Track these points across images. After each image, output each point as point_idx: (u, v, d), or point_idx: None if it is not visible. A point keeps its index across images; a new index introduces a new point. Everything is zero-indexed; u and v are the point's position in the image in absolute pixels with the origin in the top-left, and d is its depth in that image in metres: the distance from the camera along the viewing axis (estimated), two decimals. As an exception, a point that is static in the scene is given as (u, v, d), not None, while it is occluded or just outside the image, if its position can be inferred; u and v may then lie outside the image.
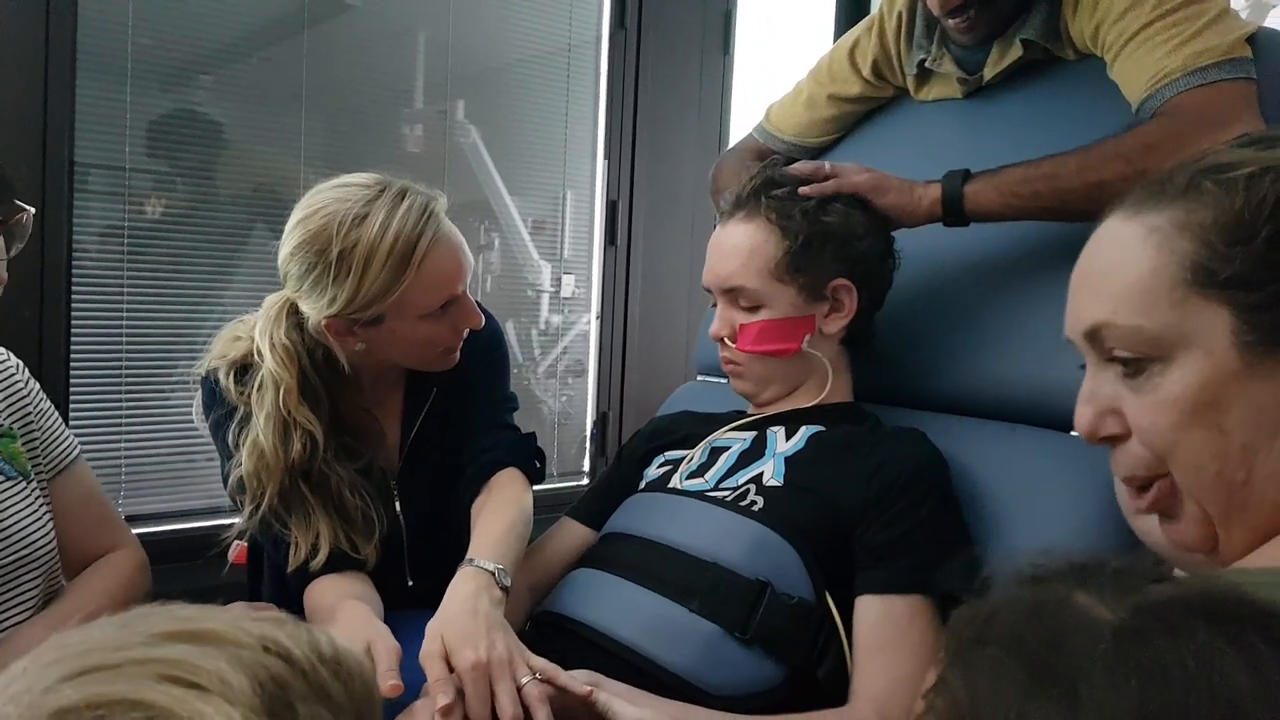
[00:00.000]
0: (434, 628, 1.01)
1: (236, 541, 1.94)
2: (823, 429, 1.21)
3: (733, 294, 1.24)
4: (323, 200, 1.16)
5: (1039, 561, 0.51)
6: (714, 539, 1.11)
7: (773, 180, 1.24)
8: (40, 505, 1.13)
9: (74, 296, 1.96)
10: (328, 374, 1.24)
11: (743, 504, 1.13)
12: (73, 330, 1.96)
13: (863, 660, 1.04)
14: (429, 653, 0.98)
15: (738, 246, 1.23)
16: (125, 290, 2.03)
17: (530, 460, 1.33)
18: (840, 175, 1.25)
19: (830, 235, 1.21)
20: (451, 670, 0.97)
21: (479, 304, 1.31)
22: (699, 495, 1.17)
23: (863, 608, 1.07)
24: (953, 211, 1.21)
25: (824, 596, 1.07)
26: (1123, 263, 0.69)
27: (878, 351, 1.33)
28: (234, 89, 2.24)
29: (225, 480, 1.26)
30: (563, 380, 3.02)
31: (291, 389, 1.19)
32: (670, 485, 1.23)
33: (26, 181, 1.84)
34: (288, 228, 1.18)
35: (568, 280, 2.97)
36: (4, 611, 1.05)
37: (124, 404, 2.04)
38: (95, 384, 2.01)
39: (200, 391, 1.29)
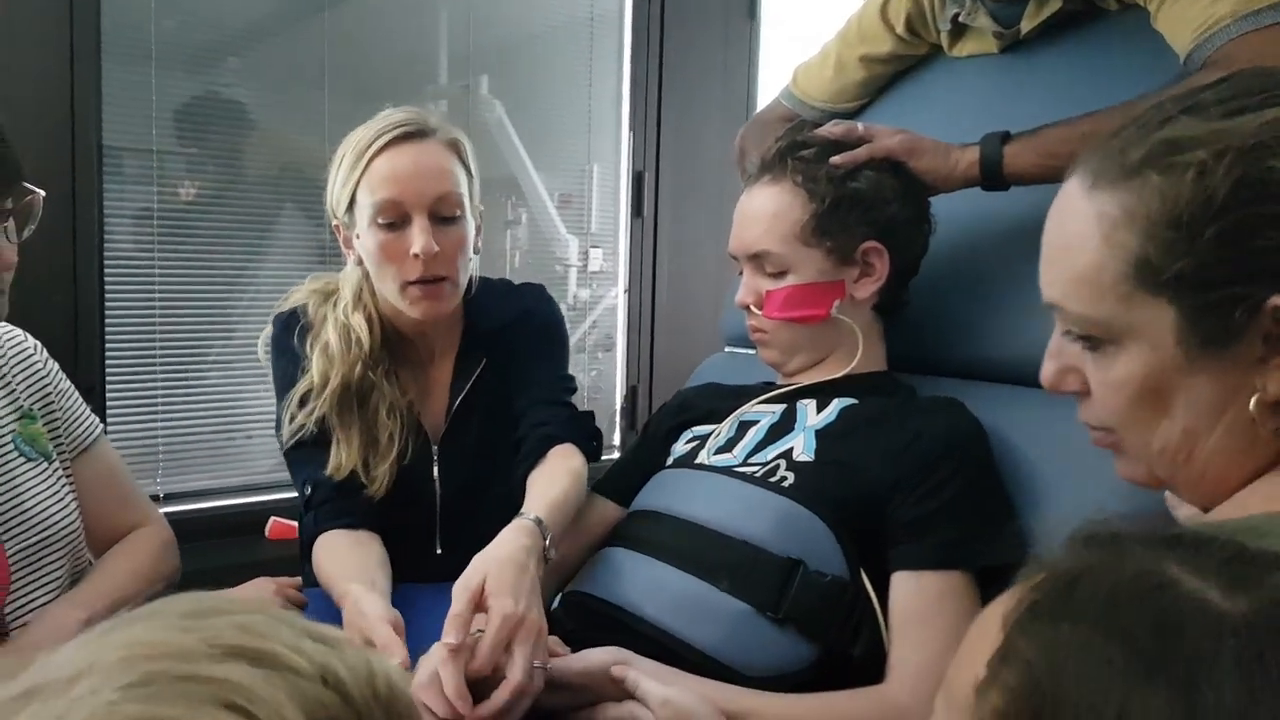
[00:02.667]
0: (479, 564, 0.98)
1: (273, 518, 1.95)
2: (855, 401, 1.17)
3: (758, 259, 1.20)
4: None
5: (1102, 524, 0.48)
6: (743, 516, 1.07)
7: (799, 142, 1.20)
8: (62, 485, 1.13)
9: (106, 279, 1.96)
10: (384, 315, 1.32)
11: (772, 480, 1.10)
12: (106, 313, 1.96)
13: (898, 638, 1.01)
14: (466, 584, 0.95)
15: (763, 210, 1.19)
16: (157, 272, 2.03)
17: (587, 437, 1.33)
18: (873, 138, 1.20)
19: (859, 198, 1.17)
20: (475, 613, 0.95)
21: (527, 284, 1.44)
22: (727, 471, 1.14)
23: (897, 584, 1.03)
24: (991, 175, 1.17)
25: (858, 574, 1.04)
26: (1072, 248, 0.69)
27: (913, 318, 1.28)
28: (259, 70, 2.23)
29: (279, 410, 1.30)
30: (592, 355, 3.00)
31: (349, 301, 1.30)
32: (697, 461, 1.19)
33: (57, 167, 1.85)
34: None
35: (595, 254, 2.94)
36: (31, 592, 1.05)
37: (159, 384, 2.05)
38: (130, 365, 2.02)
39: (272, 328, 1.35)
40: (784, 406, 1.20)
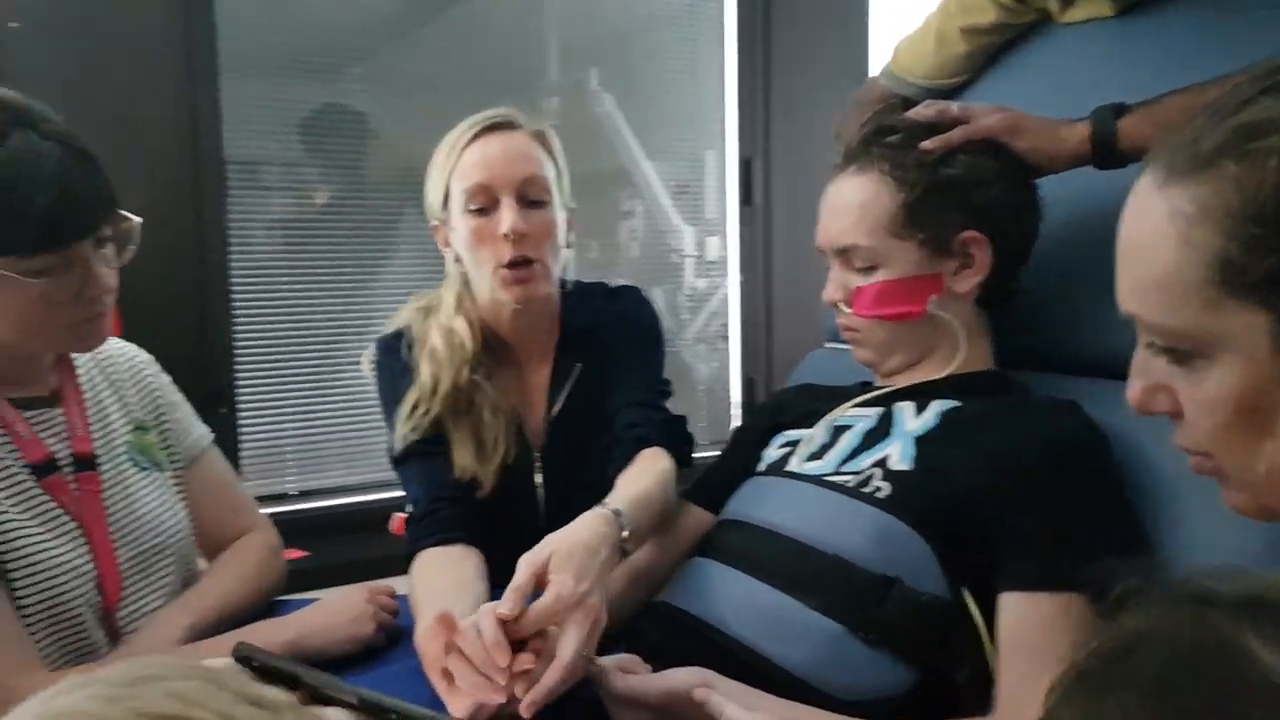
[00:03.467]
0: (548, 541, 0.97)
1: (395, 514, 2.01)
2: (957, 403, 1.09)
3: (846, 254, 1.14)
4: None
5: (1204, 580, 0.43)
6: (834, 529, 1.02)
7: (885, 127, 1.13)
8: (173, 494, 1.18)
9: (233, 286, 2.05)
10: (484, 322, 1.34)
11: (865, 490, 1.03)
12: (234, 317, 2.05)
13: (1004, 666, 0.94)
14: (530, 559, 0.95)
15: (848, 202, 1.13)
16: (281, 279, 2.11)
17: (678, 441, 1.31)
18: (970, 118, 1.12)
19: (954, 185, 1.09)
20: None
21: (623, 286, 1.45)
22: (817, 480, 1.08)
23: (1004, 606, 0.95)
24: (1104, 152, 1.07)
25: (959, 592, 0.97)
26: (1146, 251, 0.61)
27: (1026, 309, 1.19)
28: (376, 78, 2.29)
29: (389, 426, 1.32)
30: (712, 345, 2.96)
31: (452, 306, 1.32)
32: (788, 468, 1.14)
33: (182, 181, 1.94)
34: None
35: (712, 243, 2.89)
36: (144, 597, 1.10)
37: (289, 387, 2.13)
38: (258, 367, 2.10)
39: (375, 351, 1.38)
40: (880, 410, 1.14)
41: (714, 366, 2.97)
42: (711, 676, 0.93)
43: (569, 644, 0.90)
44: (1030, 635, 0.93)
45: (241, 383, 2.07)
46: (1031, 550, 0.95)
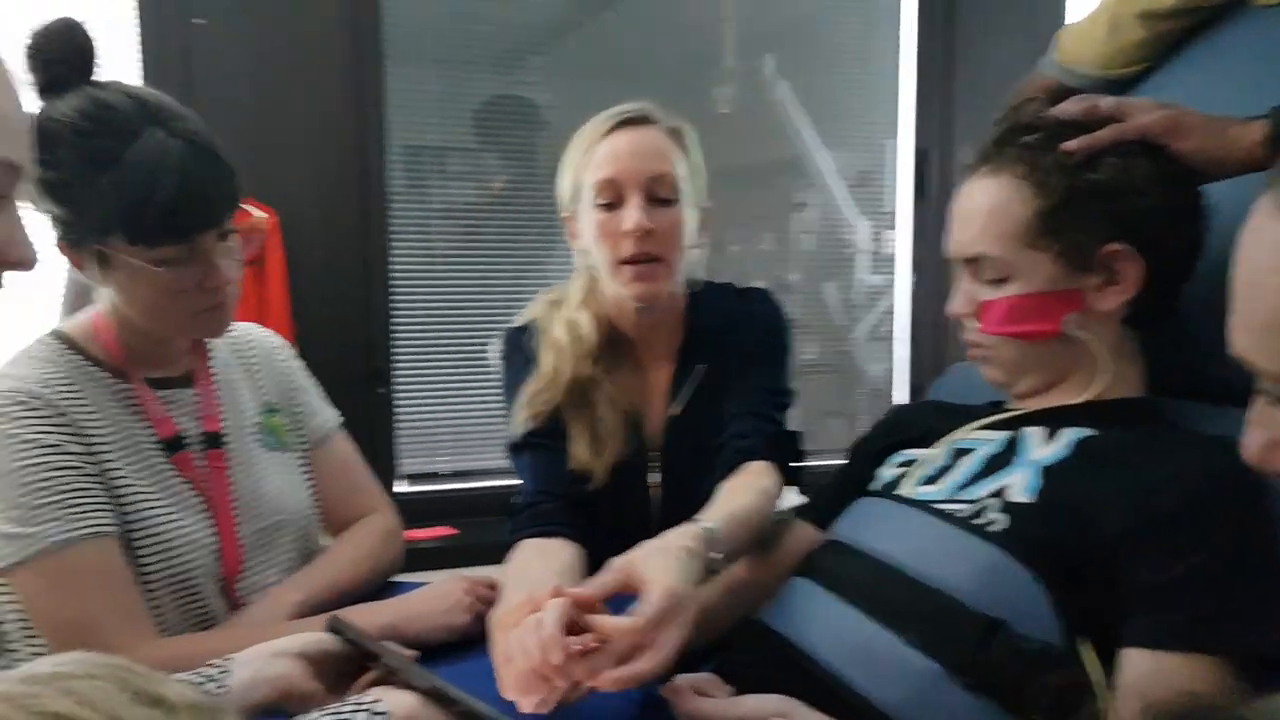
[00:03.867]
0: (640, 550, 0.96)
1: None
2: (1094, 432, 0.99)
3: (975, 264, 1.05)
4: None
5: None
6: (939, 561, 0.94)
7: (1023, 125, 1.03)
8: (298, 474, 1.24)
9: (392, 273, 2.14)
10: (608, 309, 1.35)
11: (977, 522, 0.95)
12: (393, 306, 2.15)
13: None
14: (621, 562, 0.94)
15: (978, 207, 1.04)
16: (442, 266, 2.20)
17: (787, 458, 1.29)
18: (1124, 116, 1.00)
19: (1099, 191, 0.98)
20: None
21: (753, 288, 1.42)
22: (927, 506, 1.01)
23: (1128, 664, 0.86)
24: None
25: (1075, 643, 0.87)
26: (1257, 286, 0.54)
27: (1184, 329, 1.06)
28: (550, 68, 2.33)
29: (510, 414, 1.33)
30: (887, 344, 2.84)
31: (579, 299, 1.33)
32: (898, 491, 1.07)
33: (348, 168, 2.04)
34: None
35: (890, 237, 2.78)
36: (263, 572, 1.16)
37: (444, 371, 2.22)
38: (415, 353, 2.20)
39: (502, 343, 1.39)
40: (1007, 434, 1.04)
41: (886, 368, 2.86)
42: (792, 706, 0.88)
43: (668, 642, 0.88)
44: (1153, 698, 0.82)
45: (399, 365, 2.17)
46: (1164, 604, 0.85)
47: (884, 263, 2.76)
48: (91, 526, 1.00)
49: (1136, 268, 0.99)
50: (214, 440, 1.14)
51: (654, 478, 1.35)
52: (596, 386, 1.31)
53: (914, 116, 2.56)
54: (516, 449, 1.31)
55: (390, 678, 0.86)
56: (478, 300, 2.24)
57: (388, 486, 2.18)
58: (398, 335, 2.16)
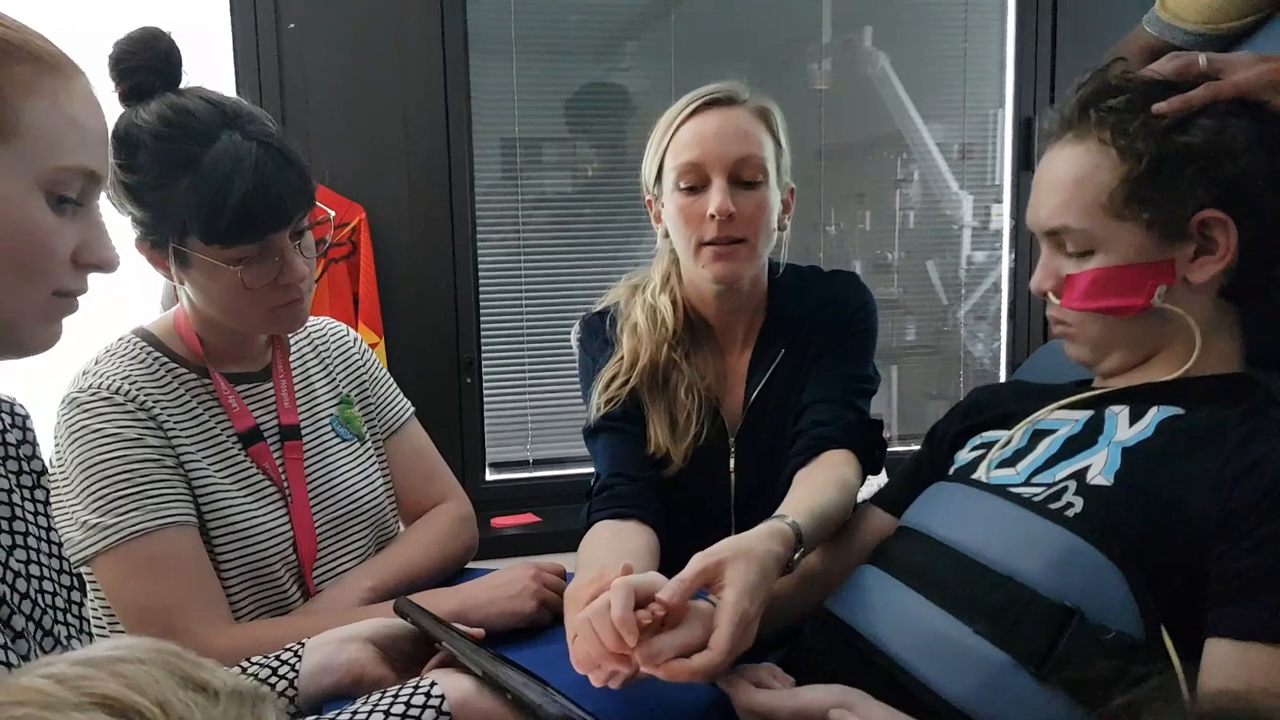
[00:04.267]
0: (727, 548, 0.93)
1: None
2: (1180, 411, 0.93)
3: (1057, 237, 1.00)
4: None
5: None
6: (1013, 547, 0.90)
7: (1109, 87, 0.97)
8: (371, 464, 1.26)
9: (481, 263, 2.18)
10: (686, 304, 1.34)
11: (1054, 506, 0.90)
12: (482, 297, 2.18)
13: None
14: (705, 561, 0.91)
15: (1061, 176, 0.98)
16: (532, 257, 2.21)
17: (869, 446, 1.26)
18: (1219, 73, 0.94)
19: (1192, 154, 0.92)
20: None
21: (839, 271, 1.39)
22: (1002, 490, 0.96)
23: (1213, 653, 0.80)
24: None
25: (1157, 632, 0.82)
26: None
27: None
28: (644, 54, 2.33)
29: (586, 401, 1.35)
30: (994, 323, 2.74)
31: (657, 285, 1.33)
32: (974, 475, 1.02)
33: (437, 161, 2.08)
34: None
35: (996, 210, 2.67)
36: (338, 557, 1.19)
37: (531, 361, 2.24)
38: (503, 344, 2.22)
39: (580, 330, 1.40)
40: (1089, 414, 0.99)
41: (992, 348, 2.76)
42: (854, 697, 0.85)
43: (723, 640, 0.87)
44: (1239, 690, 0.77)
45: (488, 355, 2.20)
46: (1253, 594, 0.79)
47: (989, 238, 2.66)
48: (170, 517, 1.03)
49: (1232, 236, 0.92)
50: (291, 432, 1.18)
51: (731, 461, 1.33)
52: (676, 370, 1.30)
53: (1014, 84, 2.45)
54: (592, 433, 1.31)
55: (452, 661, 0.87)
56: (566, 290, 2.25)
57: (477, 475, 2.23)
58: (487, 326, 2.19)
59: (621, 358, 1.30)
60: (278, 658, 0.88)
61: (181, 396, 1.10)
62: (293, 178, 1.05)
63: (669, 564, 1.09)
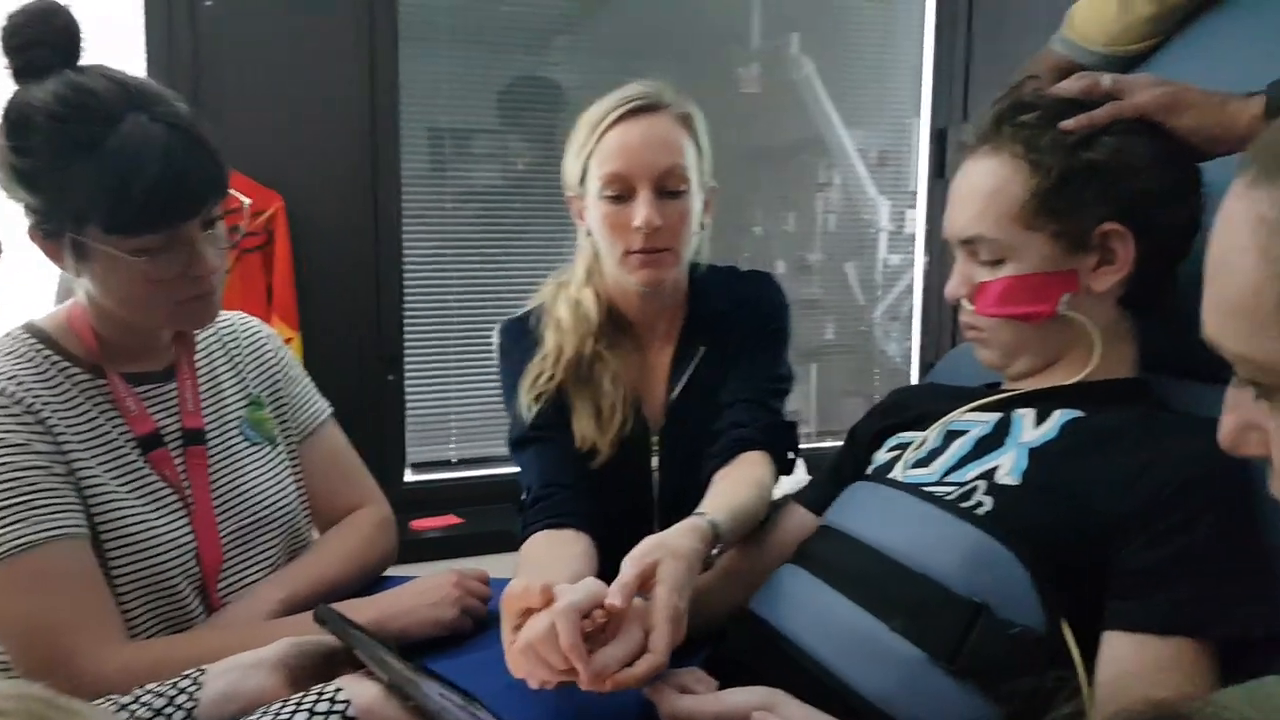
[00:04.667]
0: (653, 547, 0.94)
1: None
2: (1081, 413, 0.97)
3: (971, 245, 1.03)
4: None
5: None
6: (926, 545, 0.93)
7: (1022, 103, 1.01)
8: (283, 469, 1.21)
9: (405, 257, 2.14)
10: (610, 289, 1.34)
11: (965, 505, 0.93)
12: (405, 292, 2.15)
13: (1101, 711, 0.83)
14: (638, 562, 0.92)
15: (975, 188, 1.02)
16: (455, 251, 2.19)
17: (782, 448, 1.29)
18: (1122, 93, 0.98)
19: (1096, 170, 0.96)
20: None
21: (755, 271, 1.41)
22: (916, 490, 0.99)
23: (1109, 647, 0.85)
24: None
25: (1058, 626, 0.86)
26: (1226, 266, 0.52)
27: (1178, 309, 1.04)
28: (574, 49, 2.32)
29: (509, 408, 1.34)
30: (907, 324, 2.82)
31: (581, 279, 1.33)
32: (891, 475, 1.05)
33: (360, 150, 2.04)
34: None
35: (910, 215, 2.75)
36: (244, 569, 1.14)
37: (455, 358, 2.22)
38: (427, 340, 2.20)
39: (501, 337, 1.38)
40: (999, 416, 1.03)
41: (904, 347, 2.84)
42: (777, 699, 0.87)
43: (662, 640, 0.88)
44: (1133, 681, 0.82)
45: (411, 352, 2.17)
46: (1147, 588, 0.84)
47: (904, 242, 2.74)
48: (58, 528, 0.96)
49: (1131, 248, 0.97)
50: (194, 436, 1.11)
51: (654, 460, 1.35)
52: (600, 362, 1.31)
53: (930, 95, 2.53)
54: (520, 444, 1.30)
55: (360, 667, 0.85)
56: (494, 284, 2.23)
57: (397, 476, 2.18)
58: (410, 320, 2.16)
59: (547, 352, 1.30)
60: (175, 685, 0.82)
61: (74, 399, 1.03)
62: (205, 163, 0.99)
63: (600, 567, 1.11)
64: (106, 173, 0.94)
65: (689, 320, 1.36)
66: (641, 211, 1.22)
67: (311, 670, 0.86)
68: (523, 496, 1.28)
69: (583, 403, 1.30)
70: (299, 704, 0.76)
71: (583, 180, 1.28)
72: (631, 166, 1.22)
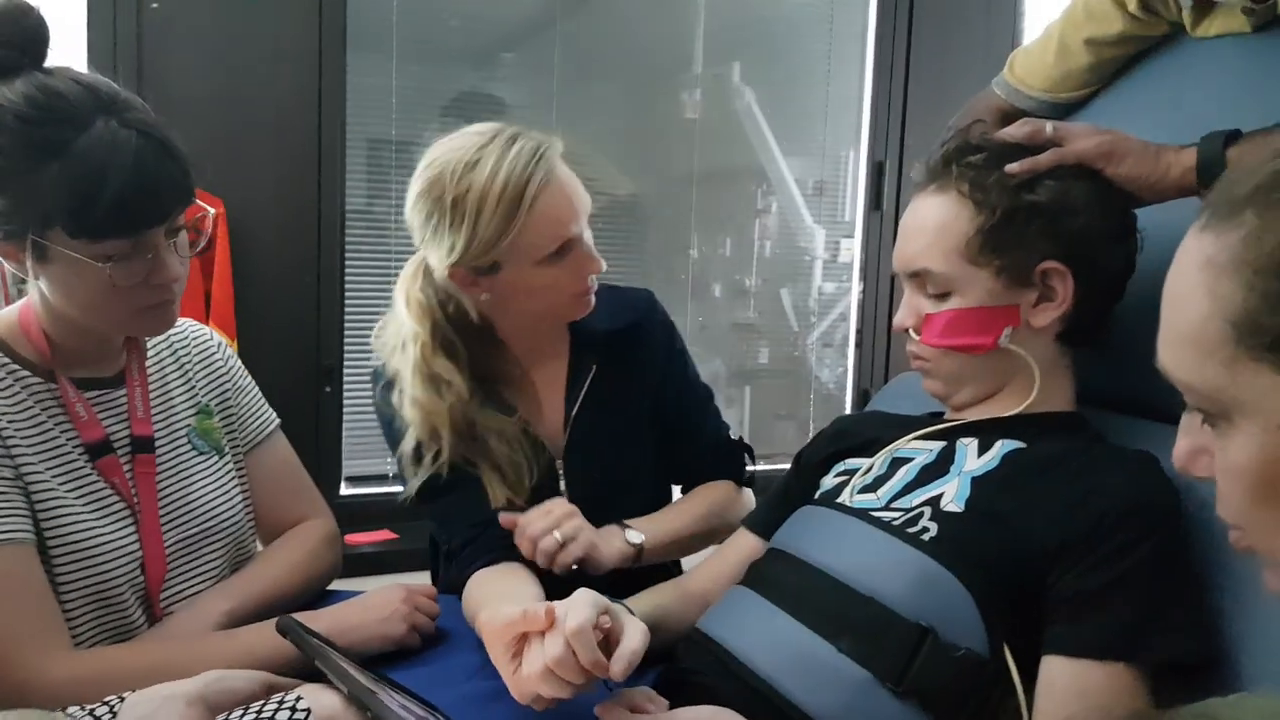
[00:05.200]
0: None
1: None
2: (1022, 445, 1.01)
3: (919, 278, 1.07)
4: (439, 150, 1.19)
5: None
6: (873, 570, 0.96)
7: (970, 145, 1.05)
8: (229, 479, 1.20)
9: (348, 267, 2.12)
10: (465, 327, 1.26)
11: (911, 530, 0.97)
12: (346, 300, 2.13)
13: None
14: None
15: (924, 223, 1.06)
16: (392, 259, 2.17)
17: (740, 468, 1.41)
18: (1064, 140, 1.03)
19: (1037, 211, 1.01)
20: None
21: (632, 289, 1.38)
22: (864, 515, 1.02)
23: (1048, 670, 0.88)
24: (1209, 182, 0.97)
25: (1000, 650, 0.90)
26: (1178, 302, 0.57)
27: (1114, 347, 1.09)
28: (520, 65, 2.33)
29: (400, 464, 1.29)
30: (840, 350, 2.88)
31: (427, 342, 1.22)
32: (839, 500, 1.08)
33: (305, 159, 2.01)
34: (411, 180, 1.22)
35: (847, 245, 2.82)
36: (189, 580, 1.12)
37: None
38: (366, 351, 2.16)
39: (376, 389, 1.31)
40: (943, 444, 1.07)
41: (838, 373, 2.90)
42: (725, 717, 0.89)
43: (636, 635, 0.87)
44: (1069, 704, 0.86)
45: (350, 363, 2.14)
46: (1085, 614, 0.88)
47: (839, 270, 2.80)
48: (5, 533, 0.95)
49: (1070, 286, 1.02)
50: (144, 444, 1.10)
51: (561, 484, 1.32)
52: (482, 426, 1.24)
53: (869, 129, 2.60)
54: (427, 496, 1.26)
55: (324, 678, 0.85)
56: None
57: (332, 489, 2.15)
58: (351, 332, 2.13)
59: (423, 437, 1.23)
60: (91, 713, 0.80)
61: (24, 402, 1.01)
62: (174, 171, 0.99)
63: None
64: (75, 176, 0.93)
65: (577, 337, 1.33)
66: (595, 258, 1.21)
67: (231, 705, 0.83)
68: (445, 547, 1.27)
69: (485, 469, 1.24)
70: (259, 712, 0.76)
71: (490, 252, 1.17)
72: (574, 225, 1.19)
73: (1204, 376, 0.55)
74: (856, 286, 2.73)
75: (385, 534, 2.10)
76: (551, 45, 2.36)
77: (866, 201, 2.63)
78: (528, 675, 0.85)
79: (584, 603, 0.86)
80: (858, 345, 2.72)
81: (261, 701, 0.79)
